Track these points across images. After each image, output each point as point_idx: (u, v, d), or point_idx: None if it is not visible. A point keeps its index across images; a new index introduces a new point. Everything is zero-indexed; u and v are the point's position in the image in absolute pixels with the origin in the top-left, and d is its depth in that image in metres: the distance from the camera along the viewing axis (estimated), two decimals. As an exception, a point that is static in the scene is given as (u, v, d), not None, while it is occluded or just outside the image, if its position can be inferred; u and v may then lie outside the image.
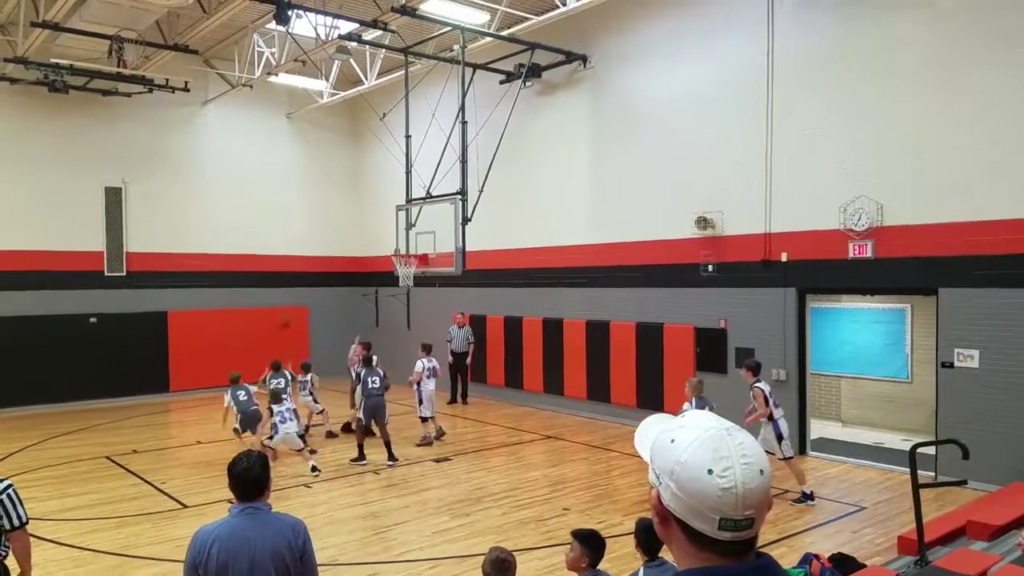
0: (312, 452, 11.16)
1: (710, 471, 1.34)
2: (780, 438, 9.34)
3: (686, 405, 9.16)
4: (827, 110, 11.16)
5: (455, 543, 7.99)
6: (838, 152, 11.03)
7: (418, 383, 12.67)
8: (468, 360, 16.73)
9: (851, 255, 10.87)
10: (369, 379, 11.51)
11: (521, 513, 9.00)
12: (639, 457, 1.57)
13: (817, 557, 6.19)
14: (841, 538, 7.95)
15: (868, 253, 10.69)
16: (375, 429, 11.69)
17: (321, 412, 13.10)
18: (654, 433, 1.51)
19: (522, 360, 16.28)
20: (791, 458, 9.42)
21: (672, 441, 1.41)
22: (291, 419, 11.04)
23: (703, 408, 8.64)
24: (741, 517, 1.35)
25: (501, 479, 10.59)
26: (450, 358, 16.54)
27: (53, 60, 14.82)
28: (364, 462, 11.29)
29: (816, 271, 11.37)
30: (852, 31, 10.91)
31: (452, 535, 8.26)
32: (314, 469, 10.75)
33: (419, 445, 12.54)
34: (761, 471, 1.37)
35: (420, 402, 12.65)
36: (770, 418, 9.36)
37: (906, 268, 10.38)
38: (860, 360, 13.61)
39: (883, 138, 10.57)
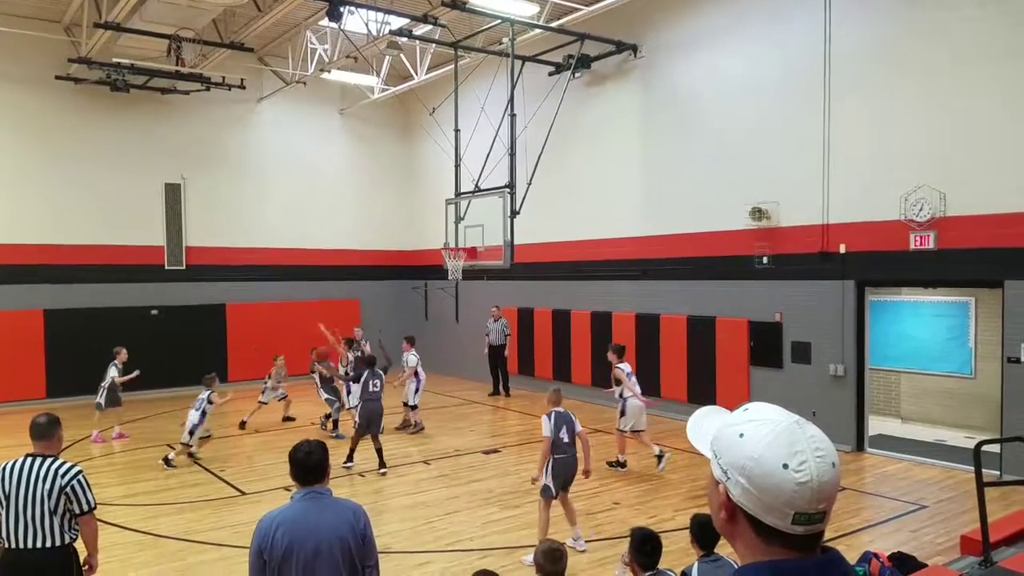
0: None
1: (785, 466, 1.32)
2: (622, 413, 10.41)
3: (544, 418, 7.54)
4: (886, 97, 10.81)
5: (505, 534, 8.03)
6: (898, 140, 10.69)
7: (415, 375, 13.34)
8: (506, 352, 16.85)
9: (912, 246, 10.53)
10: (371, 382, 10.80)
11: (571, 506, 8.99)
12: (691, 452, 1.54)
13: (876, 556, 6.04)
14: (901, 536, 7.75)
15: (930, 244, 10.35)
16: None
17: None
18: (712, 426, 1.47)
19: (570, 353, 16.24)
20: (624, 432, 10.41)
21: (741, 436, 1.38)
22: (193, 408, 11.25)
23: (563, 423, 7.42)
24: (815, 511, 1.33)
25: (551, 472, 10.58)
26: (485, 350, 16.73)
27: (115, 60, 15.31)
28: (352, 464, 10.70)
29: (876, 263, 11.06)
30: (911, 15, 10.55)
31: (502, 526, 8.31)
32: (167, 461, 10.94)
33: (400, 429, 13.11)
34: (833, 463, 1.35)
35: (417, 391, 13.32)
36: (620, 395, 10.37)
37: (970, 260, 10.01)
38: (921, 355, 13.20)
39: (946, 125, 10.20)
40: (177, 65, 15.10)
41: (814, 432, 1.37)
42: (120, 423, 13.00)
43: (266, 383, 14.10)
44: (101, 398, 12.82)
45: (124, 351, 13.08)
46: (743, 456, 1.36)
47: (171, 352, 17.39)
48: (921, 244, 10.44)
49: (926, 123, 10.40)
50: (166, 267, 17.91)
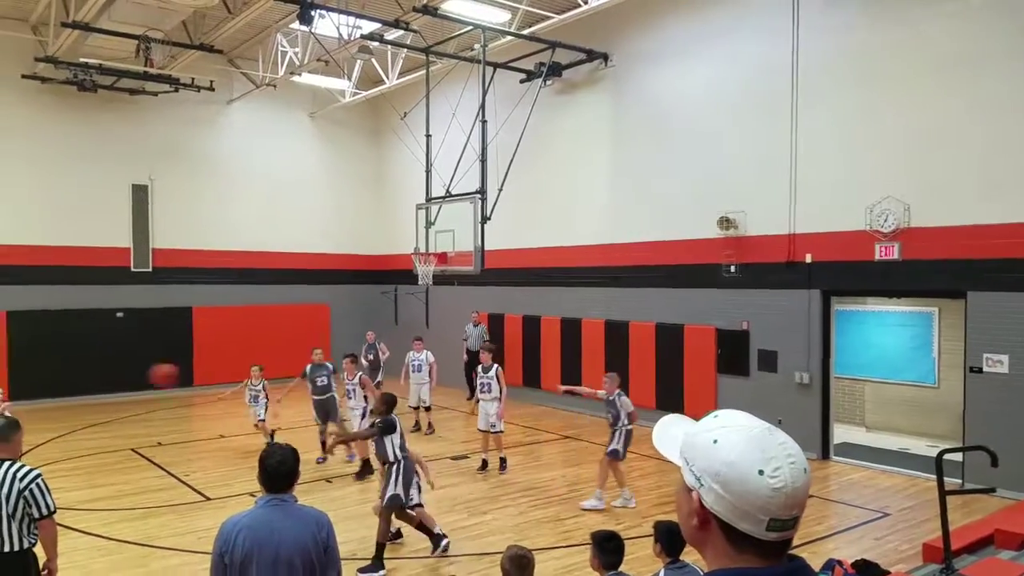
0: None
1: (761, 472, 1.32)
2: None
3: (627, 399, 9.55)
4: (853, 109, 11.01)
5: (472, 540, 7.99)
6: (864, 152, 10.88)
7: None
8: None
9: (877, 257, 10.71)
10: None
11: (539, 512, 8.99)
12: (658, 459, 1.53)
13: (840, 563, 6.12)
14: (864, 544, 7.85)
15: (895, 255, 10.53)
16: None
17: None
18: (680, 433, 1.47)
19: (540, 359, 16.25)
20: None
21: (715, 442, 1.38)
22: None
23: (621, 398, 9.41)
24: (788, 516, 1.34)
25: (519, 478, 10.57)
26: (465, 356, 16.66)
27: (82, 60, 15.06)
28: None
29: (841, 273, 11.23)
30: (878, 28, 10.75)
31: (469, 532, 8.27)
32: None
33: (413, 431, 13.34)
34: (805, 469, 1.36)
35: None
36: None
37: (934, 270, 10.21)
38: (885, 364, 13.42)
39: (911, 137, 10.40)
40: (146, 66, 14.87)
41: (784, 439, 1.38)
42: None
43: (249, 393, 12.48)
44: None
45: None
46: (718, 462, 1.36)
47: (136, 356, 17.04)
48: (886, 255, 10.63)
49: (891, 135, 10.60)
50: (132, 269, 17.60)
